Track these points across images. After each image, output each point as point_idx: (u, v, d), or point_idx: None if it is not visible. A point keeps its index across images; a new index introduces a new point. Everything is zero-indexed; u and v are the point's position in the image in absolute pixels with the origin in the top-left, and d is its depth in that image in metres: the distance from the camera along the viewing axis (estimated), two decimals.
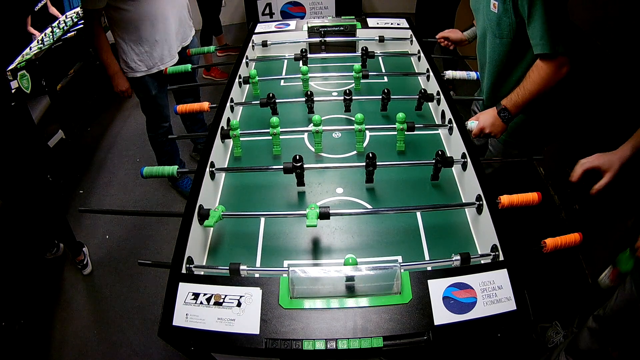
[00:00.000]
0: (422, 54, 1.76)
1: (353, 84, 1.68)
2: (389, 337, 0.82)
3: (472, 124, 1.40)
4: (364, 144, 1.41)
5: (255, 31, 2.01)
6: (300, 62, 1.77)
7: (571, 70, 1.24)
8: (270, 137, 1.35)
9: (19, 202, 1.85)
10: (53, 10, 3.08)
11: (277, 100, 1.50)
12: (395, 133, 1.36)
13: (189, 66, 1.82)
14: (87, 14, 1.77)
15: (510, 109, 1.32)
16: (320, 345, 0.81)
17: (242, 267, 0.96)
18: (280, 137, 1.36)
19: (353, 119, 1.50)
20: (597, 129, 1.86)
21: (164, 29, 1.87)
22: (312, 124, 1.33)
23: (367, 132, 1.46)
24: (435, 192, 1.25)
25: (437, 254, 1.06)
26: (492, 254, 0.97)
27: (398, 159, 1.35)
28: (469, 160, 1.19)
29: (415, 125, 1.35)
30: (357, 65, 1.62)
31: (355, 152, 1.38)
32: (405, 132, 1.34)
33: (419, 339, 0.81)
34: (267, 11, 3.50)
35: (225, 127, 1.39)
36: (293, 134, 1.44)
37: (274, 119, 1.33)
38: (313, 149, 1.40)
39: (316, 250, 1.09)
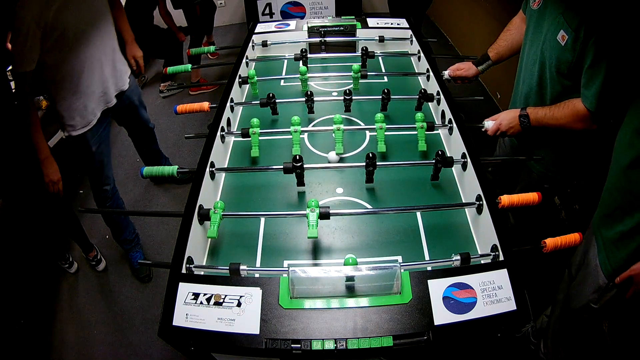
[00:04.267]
0: (422, 54, 1.76)
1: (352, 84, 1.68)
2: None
3: (489, 123, 1.40)
4: (364, 144, 1.41)
5: (255, 31, 2.01)
6: (300, 62, 1.77)
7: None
8: (290, 136, 1.34)
9: (19, 202, 1.85)
10: None
11: (277, 100, 1.50)
12: (395, 133, 1.36)
13: (188, 66, 1.82)
14: (18, 77, 1.51)
15: (532, 119, 1.31)
16: (317, 346, 0.81)
17: (242, 267, 0.96)
18: (281, 137, 1.35)
19: (353, 119, 1.50)
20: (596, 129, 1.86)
21: (100, 77, 1.73)
22: (333, 124, 1.33)
23: (367, 132, 1.46)
24: (435, 192, 1.25)
25: (437, 254, 1.06)
26: (492, 254, 0.97)
27: (420, 159, 1.34)
28: (469, 160, 1.19)
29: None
30: (356, 66, 1.62)
31: (356, 150, 1.39)
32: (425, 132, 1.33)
33: (419, 339, 0.81)
34: (267, 11, 3.50)
35: (226, 128, 1.39)
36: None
37: (295, 118, 1.32)
38: (333, 151, 1.35)
39: (316, 250, 1.09)
